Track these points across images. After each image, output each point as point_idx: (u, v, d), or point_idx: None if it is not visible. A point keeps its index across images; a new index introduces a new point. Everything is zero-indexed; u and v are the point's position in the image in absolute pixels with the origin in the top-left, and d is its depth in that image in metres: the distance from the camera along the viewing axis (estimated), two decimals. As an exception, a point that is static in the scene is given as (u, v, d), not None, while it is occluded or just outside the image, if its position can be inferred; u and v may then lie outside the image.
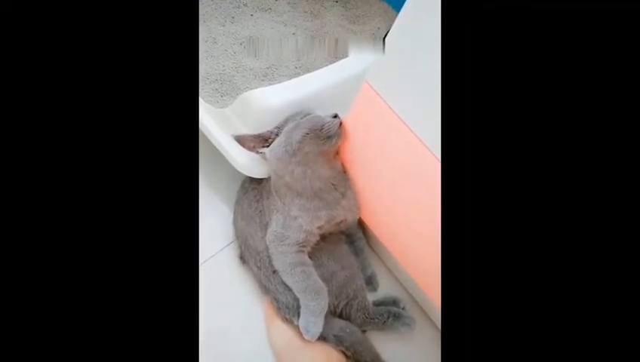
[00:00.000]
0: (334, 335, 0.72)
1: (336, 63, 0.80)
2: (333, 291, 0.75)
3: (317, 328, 0.70)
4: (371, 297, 0.81)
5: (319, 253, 0.77)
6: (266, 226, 0.76)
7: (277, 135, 0.72)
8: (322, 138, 0.69)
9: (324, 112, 0.74)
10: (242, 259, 0.80)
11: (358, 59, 0.81)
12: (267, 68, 0.96)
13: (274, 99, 0.73)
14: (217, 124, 0.77)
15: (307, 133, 0.68)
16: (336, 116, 0.72)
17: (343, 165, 0.76)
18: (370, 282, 0.84)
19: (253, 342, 0.75)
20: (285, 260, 0.73)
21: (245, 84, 0.93)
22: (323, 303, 0.71)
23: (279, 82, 0.82)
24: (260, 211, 0.77)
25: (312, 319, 0.70)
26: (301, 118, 0.71)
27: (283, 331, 0.74)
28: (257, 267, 0.77)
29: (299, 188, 0.72)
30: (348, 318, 0.76)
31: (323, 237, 0.76)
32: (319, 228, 0.74)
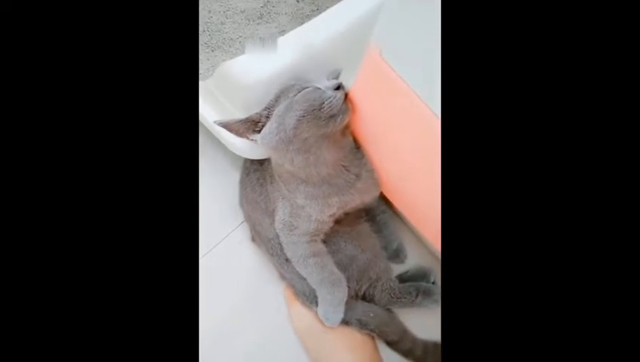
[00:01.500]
0: (357, 319, 0.67)
1: (336, 7, 0.63)
2: (354, 276, 0.69)
3: (337, 316, 0.65)
4: (399, 269, 0.75)
5: (336, 236, 0.69)
6: (272, 213, 0.68)
7: (267, 117, 0.60)
8: (323, 119, 0.56)
9: (324, 75, 0.60)
10: (254, 240, 0.75)
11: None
12: (262, 7, 0.79)
13: (259, 70, 0.59)
14: (204, 100, 0.65)
15: (303, 116, 0.56)
16: (339, 87, 0.58)
17: (355, 140, 0.63)
18: (397, 255, 0.76)
19: (254, 334, 0.72)
20: (297, 251, 0.66)
21: (238, 32, 0.78)
22: (341, 294, 0.65)
23: (278, 24, 0.67)
24: (265, 196, 0.68)
25: (331, 309, 0.65)
26: (295, 95, 0.58)
27: (303, 315, 0.70)
28: (270, 254, 0.71)
29: (302, 175, 0.62)
30: (372, 300, 0.71)
31: (338, 220, 0.68)
32: (331, 216, 0.65)
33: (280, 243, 0.68)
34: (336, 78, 0.61)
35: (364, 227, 0.71)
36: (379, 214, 0.75)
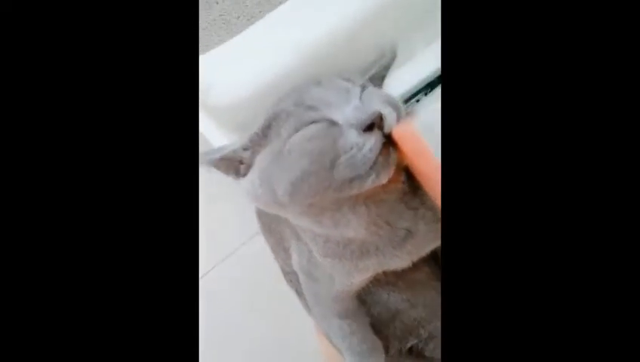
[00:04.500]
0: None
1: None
2: (396, 334, 0.52)
3: None
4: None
5: (377, 285, 0.49)
6: (287, 249, 0.50)
7: (253, 156, 0.37)
8: (340, 181, 0.33)
9: (346, 95, 0.34)
10: None
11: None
12: None
13: (241, 82, 0.35)
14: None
15: (302, 179, 0.33)
16: (372, 126, 0.32)
17: (412, 178, 0.39)
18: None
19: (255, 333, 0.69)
20: (318, 305, 0.49)
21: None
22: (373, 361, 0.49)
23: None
24: (278, 223, 0.49)
25: None
26: (291, 133, 0.34)
27: (327, 346, 0.57)
28: (290, 287, 0.55)
29: (318, 231, 0.41)
30: (421, 355, 0.54)
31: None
32: (364, 280, 0.45)
33: (299, 281, 0.51)
34: (373, 103, 0.35)
35: (421, 275, 0.50)
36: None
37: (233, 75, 0.41)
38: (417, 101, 0.55)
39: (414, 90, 0.50)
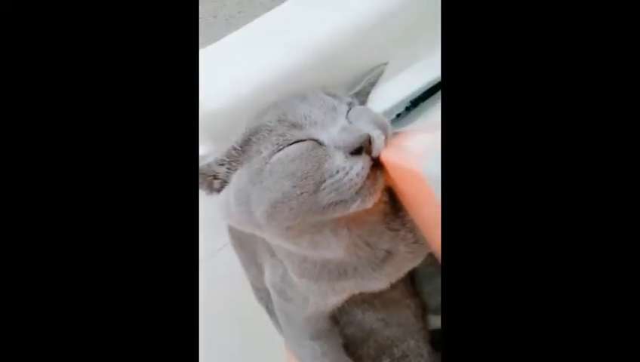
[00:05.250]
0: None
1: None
2: (370, 354, 0.50)
3: None
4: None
5: (352, 304, 0.48)
6: (260, 266, 0.47)
7: (229, 172, 0.35)
8: (322, 206, 0.31)
9: (333, 111, 0.33)
10: None
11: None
12: None
13: (213, 97, 0.33)
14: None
15: (282, 202, 0.31)
16: (360, 149, 0.30)
17: (394, 198, 0.37)
18: (440, 311, 0.55)
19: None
20: (290, 325, 0.47)
21: None
22: None
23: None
24: (252, 237, 0.47)
25: None
26: (272, 152, 0.32)
27: None
28: (261, 304, 0.53)
29: (299, 254, 0.39)
30: (393, 375, 0.53)
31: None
32: (340, 301, 0.43)
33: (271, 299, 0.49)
34: (361, 123, 0.33)
35: (396, 293, 0.49)
36: (422, 268, 0.51)
37: (209, 83, 0.38)
38: (397, 116, 0.54)
39: (397, 108, 0.49)
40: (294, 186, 0.30)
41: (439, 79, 0.48)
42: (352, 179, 0.30)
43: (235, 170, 0.34)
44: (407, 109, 0.53)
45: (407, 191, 0.31)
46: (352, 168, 0.30)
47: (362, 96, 0.40)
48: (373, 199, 0.32)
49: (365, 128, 0.32)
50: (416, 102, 0.50)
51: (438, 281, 0.54)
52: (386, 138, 0.32)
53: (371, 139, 0.31)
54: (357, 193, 0.31)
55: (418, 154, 0.29)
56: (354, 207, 0.32)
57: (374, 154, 0.31)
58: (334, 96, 0.36)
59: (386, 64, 0.39)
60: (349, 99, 0.36)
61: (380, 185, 0.32)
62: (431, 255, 0.49)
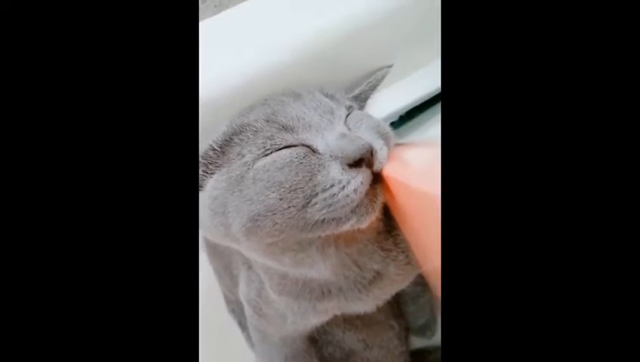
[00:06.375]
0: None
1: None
2: (348, 377, 0.47)
3: None
4: (425, 343, 0.54)
5: (332, 324, 0.45)
6: (235, 277, 0.44)
7: (205, 175, 0.31)
8: (312, 223, 0.28)
9: (331, 116, 0.30)
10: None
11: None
12: None
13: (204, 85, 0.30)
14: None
15: (265, 216, 0.27)
16: (361, 161, 0.27)
17: (389, 215, 0.34)
18: (423, 332, 0.52)
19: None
20: (263, 344, 0.44)
21: None
22: None
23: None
24: (227, 248, 0.43)
25: None
26: (256, 156, 0.29)
27: None
28: (233, 317, 0.49)
29: (279, 270, 0.35)
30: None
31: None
32: (320, 322, 0.40)
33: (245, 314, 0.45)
34: (362, 131, 0.30)
35: (379, 314, 0.46)
36: (408, 287, 0.48)
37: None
38: (391, 125, 0.52)
39: (390, 118, 0.47)
40: (281, 199, 0.26)
41: (438, 90, 0.46)
42: (348, 195, 0.27)
43: (212, 173, 0.30)
44: (402, 119, 0.51)
45: (410, 211, 0.28)
46: (349, 182, 0.27)
47: (361, 100, 0.36)
48: (370, 219, 0.28)
49: (366, 137, 0.28)
50: (412, 114, 0.48)
51: (423, 301, 0.51)
52: (389, 150, 0.29)
53: (373, 151, 0.27)
54: (352, 211, 0.27)
55: (424, 171, 0.26)
56: (347, 226, 0.28)
57: (376, 168, 0.28)
58: (332, 97, 0.32)
59: (390, 66, 0.36)
60: (349, 103, 0.32)
61: (379, 203, 0.28)
62: (419, 274, 0.46)
